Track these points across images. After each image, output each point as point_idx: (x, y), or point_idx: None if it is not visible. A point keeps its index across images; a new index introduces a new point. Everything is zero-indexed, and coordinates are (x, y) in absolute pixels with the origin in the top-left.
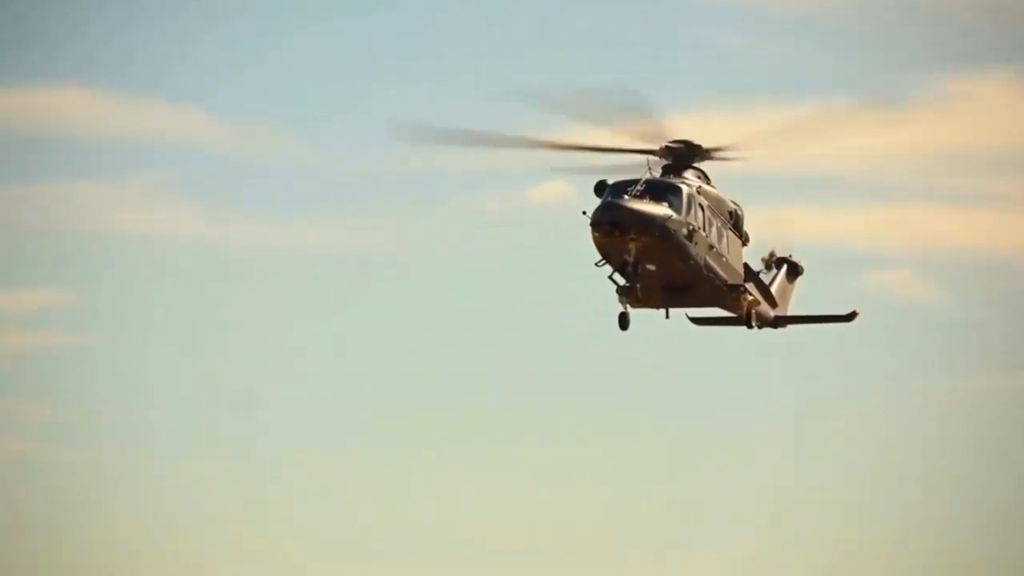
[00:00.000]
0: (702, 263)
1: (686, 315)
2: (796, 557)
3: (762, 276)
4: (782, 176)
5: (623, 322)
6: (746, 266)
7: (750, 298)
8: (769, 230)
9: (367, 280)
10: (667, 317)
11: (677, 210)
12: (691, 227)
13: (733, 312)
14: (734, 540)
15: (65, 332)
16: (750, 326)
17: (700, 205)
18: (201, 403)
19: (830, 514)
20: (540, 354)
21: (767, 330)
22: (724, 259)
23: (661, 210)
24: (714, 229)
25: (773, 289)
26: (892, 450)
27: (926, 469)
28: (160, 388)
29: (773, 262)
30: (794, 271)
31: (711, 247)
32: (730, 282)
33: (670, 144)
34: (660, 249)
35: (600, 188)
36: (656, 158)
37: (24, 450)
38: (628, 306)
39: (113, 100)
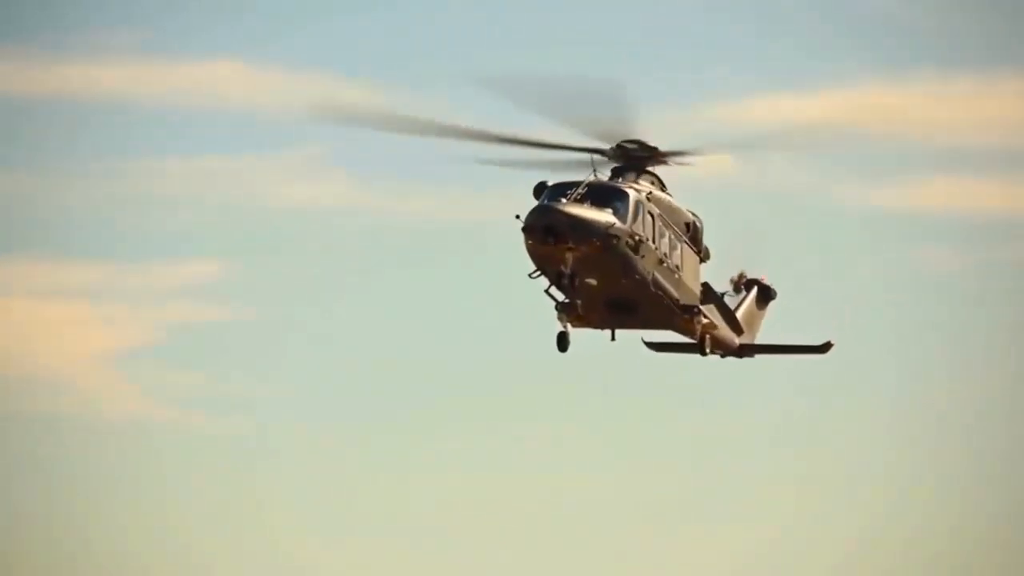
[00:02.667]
0: (649, 278)
1: (642, 339)
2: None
3: (728, 299)
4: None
5: (562, 343)
6: (707, 286)
7: (704, 321)
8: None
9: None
10: (613, 339)
11: (622, 217)
12: (637, 237)
13: (686, 336)
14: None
15: (223, 305)
16: (703, 353)
17: (649, 213)
18: (360, 376)
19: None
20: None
21: (743, 357)
22: (676, 276)
23: (603, 216)
24: (665, 241)
25: (739, 314)
26: None
27: None
28: (316, 361)
29: (742, 284)
30: (765, 295)
31: (661, 261)
32: (682, 302)
33: (622, 144)
34: (601, 260)
35: (539, 190)
36: (604, 158)
37: (177, 421)
38: (568, 325)
39: (268, 73)
